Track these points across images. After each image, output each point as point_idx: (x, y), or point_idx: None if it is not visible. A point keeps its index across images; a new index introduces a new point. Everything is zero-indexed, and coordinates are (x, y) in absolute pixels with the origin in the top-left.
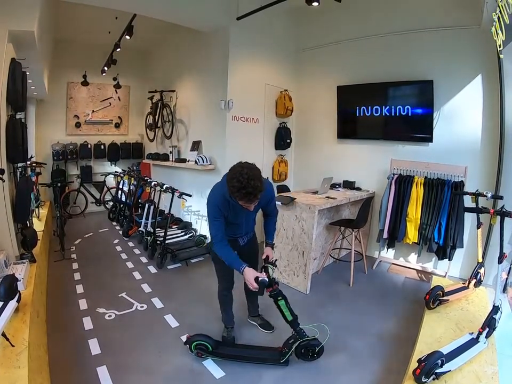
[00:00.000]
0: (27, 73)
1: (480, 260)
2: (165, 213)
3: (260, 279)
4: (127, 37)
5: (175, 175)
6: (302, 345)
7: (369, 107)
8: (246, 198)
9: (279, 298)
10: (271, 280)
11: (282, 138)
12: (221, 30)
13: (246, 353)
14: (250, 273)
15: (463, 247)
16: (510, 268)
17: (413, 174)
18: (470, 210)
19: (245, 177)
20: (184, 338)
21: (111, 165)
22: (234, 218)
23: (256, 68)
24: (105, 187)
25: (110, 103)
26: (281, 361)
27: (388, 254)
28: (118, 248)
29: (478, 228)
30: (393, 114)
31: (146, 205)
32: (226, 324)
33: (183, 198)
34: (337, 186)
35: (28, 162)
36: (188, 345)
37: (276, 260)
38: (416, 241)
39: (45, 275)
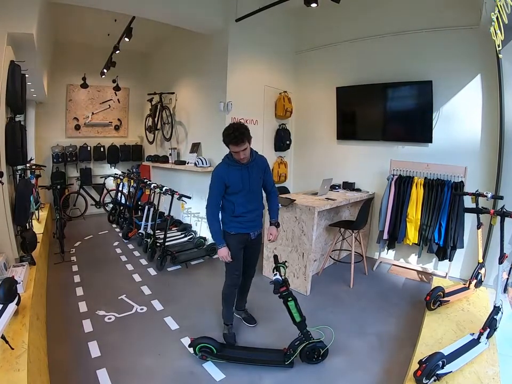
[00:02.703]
0: (26, 75)
1: (481, 260)
2: (165, 215)
3: (274, 278)
4: (126, 39)
5: (174, 177)
6: (308, 348)
7: (369, 108)
8: (234, 140)
9: (289, 299)
10: (284, 279)
11: (282, 140)
12: (219, 32)
13: (250, 355)
14: (226, 251)
15: (463, 248)
16: (510, 268)
17: (412, 174)
18: (470, 210)
19: (235, 126)
20: (184, 340)
21: (110, 167)
22: (237, 183)
23: (255, 69)
24: (104, 189)
25: (109, 105)
26: (286, 363)
27: (388, 255)
28: (118, 250)
29: (478, 228)
30: (392, 115)
31: (146, 207)
32: (226, 321)
33: (182, 200)
34: (337, 187)
35: (28, 165)
36: (192, 348)
37: (286, 261)
38: (416, 242)
39: (44, 278)
